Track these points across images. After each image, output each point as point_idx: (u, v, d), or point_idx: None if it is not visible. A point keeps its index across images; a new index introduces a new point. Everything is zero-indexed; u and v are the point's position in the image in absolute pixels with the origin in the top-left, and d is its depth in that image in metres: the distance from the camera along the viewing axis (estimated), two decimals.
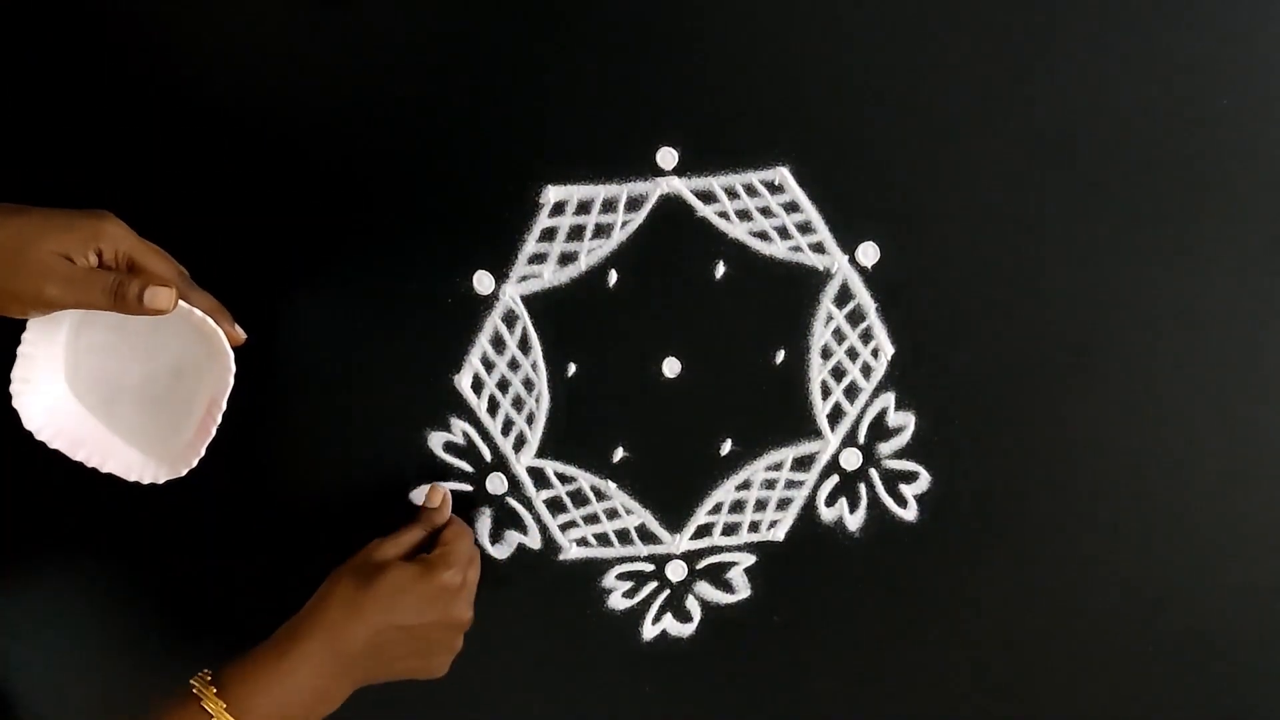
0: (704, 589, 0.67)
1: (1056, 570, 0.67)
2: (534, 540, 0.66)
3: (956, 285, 0.63)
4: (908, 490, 0.66)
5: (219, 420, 0.58)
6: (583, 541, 0.66)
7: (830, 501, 0.66)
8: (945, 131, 0.62)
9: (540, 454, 0.65)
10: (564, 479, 0.65)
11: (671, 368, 0.64)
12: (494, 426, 0.64)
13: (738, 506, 0.66)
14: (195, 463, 0.58)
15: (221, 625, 0.66)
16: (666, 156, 0.62)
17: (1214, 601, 0.67)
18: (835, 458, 0.65)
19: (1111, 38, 0.61)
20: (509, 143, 0.61)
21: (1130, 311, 0.64)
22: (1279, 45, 0.61)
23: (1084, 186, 0.63)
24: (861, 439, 0.65)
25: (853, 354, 0.64)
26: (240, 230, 0.62)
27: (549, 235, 0.62)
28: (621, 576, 0.66)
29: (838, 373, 0.64)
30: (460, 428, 0.64)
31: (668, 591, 0.67)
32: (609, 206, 0.62)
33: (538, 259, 0.63)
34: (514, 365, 0.64)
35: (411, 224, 0.62)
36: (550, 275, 0.63)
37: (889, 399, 0.65)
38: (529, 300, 0.63)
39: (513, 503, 0.65)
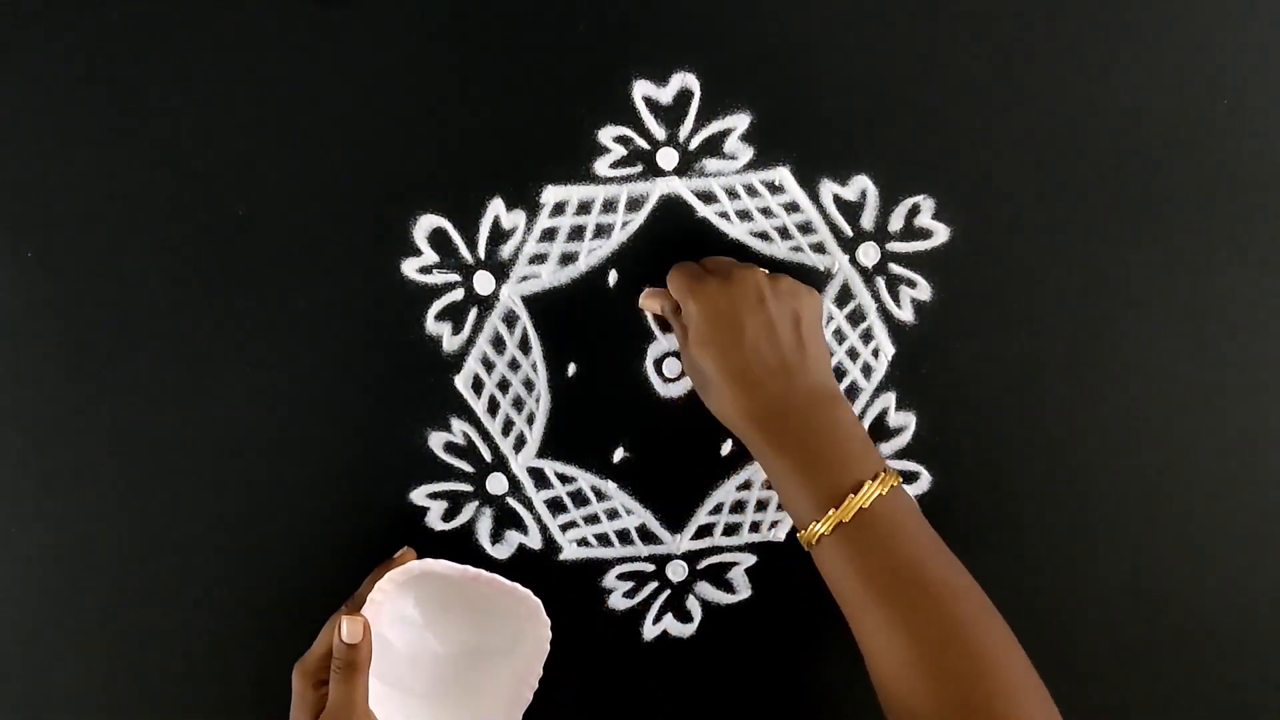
0: (705, 589, 0.67)
1: (1057, 570, 0.67)
2: (534, 540, 0.66)
3: (957, 286, 0.64)
4: (908, 490, 0.66)
5: (535, 687, 0.61)
6: (583, 541, 0.66)
7: None
8: (947, 133, 0.62)
9: (540, 454, 0.65)
10: (564, 479, 0.65)
11: (672, 368, 0.64)
12: (494, 427, 0.64)
13: (739, 507, 0.66)
14: None
15: (220, 625, 0.66)
16: (667, 156, 0.62)
17: (1214, 601, 0.67)
18: None
19: (1113, 38, 0.62)
20: (509, 143, 0.61)
21: (1131, 311, 0.64)
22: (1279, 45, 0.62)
23: (1085, 187, 0.63)
24: None
25: (853, 354, 0.64)
26: (239, 228, 0.62)
27: (549, 235, 0.62)
28: (622, 576, 0.66)
29: (838, 373, 0.64)
30: (460, 428, 0.64)
31: (668, 592, 0.67)
32: (609, 207, 0.62)
33: (538, 259, 0.63)
34: (514, 365, 0.64)
35: (411, 224, 0.62)
36: (550, 275, 0.63)
37: (889, 399, 0.65)
38: (529, 300, 0.63)
39: (513, 503, 0.65)
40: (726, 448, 0.65)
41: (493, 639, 0.62)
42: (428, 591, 0.61)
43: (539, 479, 0.65)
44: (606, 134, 0.62)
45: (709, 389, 0.58)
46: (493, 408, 0.64)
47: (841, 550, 0.53)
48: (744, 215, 0.63)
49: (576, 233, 0.62)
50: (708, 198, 0.62)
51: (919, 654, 0.51)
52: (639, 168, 0.62)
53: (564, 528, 0.66)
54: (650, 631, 0.67)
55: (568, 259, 0.63)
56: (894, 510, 0.54)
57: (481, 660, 0.62)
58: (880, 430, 0.65)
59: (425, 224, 0.62)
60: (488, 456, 0.65)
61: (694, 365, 0.59)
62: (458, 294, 0.63)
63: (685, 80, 0.61)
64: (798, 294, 0.59)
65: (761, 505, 0.66)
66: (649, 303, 0.62)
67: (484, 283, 0.63)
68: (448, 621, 0.62)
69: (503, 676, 0.62)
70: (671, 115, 0.62)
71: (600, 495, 0.65)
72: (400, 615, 0.61)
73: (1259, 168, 0.63)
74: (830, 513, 0.53)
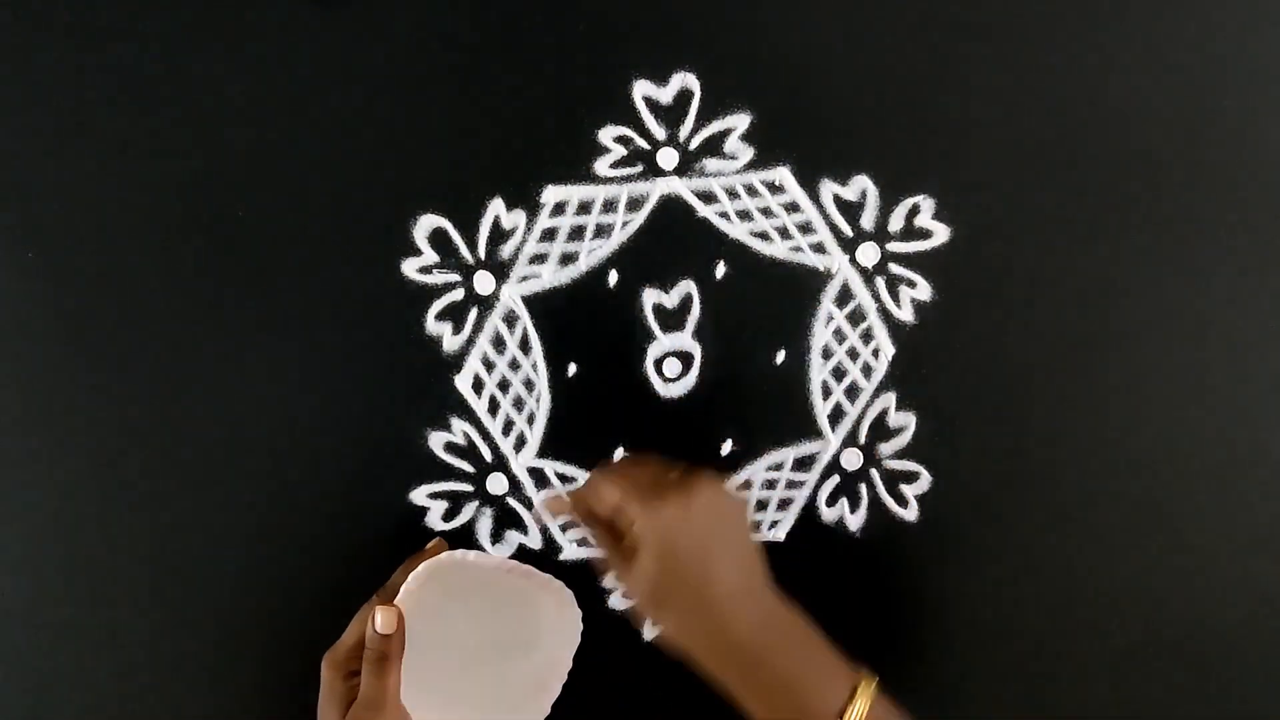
0: None
1: (1056, 570, 0.67)
2: (534, 540, 0.66)
3: (957, 286, 0.64)
4: (908, 490, 0.66)
5: (564, 678, 0.62)
6: (583, 541, 0.66)
7: (831, 501, 0.66)
8: (947, 133, 0.62)
9: (540, 454, 0.65)
10: (564, 479, 0.65)
11: (672, 368, 0.64)
12: (494, 426, 0.64)
13: None
14: None
15: (220, 625, 0.66)
16: (667, 156, 0.62)
17: (1214, 601, 0.67)
18: (836, 458, 0.65)
19: (1113, 38, 0.62)
20: (509, 143, 0.61)
21: (1131, 312, 0.64)
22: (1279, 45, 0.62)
23: (1084, 188, 0.63)
24: (862, 439, 0.65)
25: (853, 354, 0.64)
26: (240, 228, 0.62)
27: (549, 235, 0.62)
28: None
29: (838, 373, 0.64)
30: (460, 428, 0.64)
31: None
32: (609, 207, 0.62)
33: (538, 259, 0.63)
34: (514, 365, 0.64)
35: (411, 224, 0.62)
36: (550, 275, 0.63)
37: (890, 399, 0.65)
38: (529, 300, 0.63)
39: (513, 503, 0.65)
40: (726, 448, 0.65)
41: (523, 630, 0.62)
42: (459, 582, 0.61)
43: (539, 479, 0.65)
44: (606, 134, 0.62)
45: (669, 636, 0.55)
46: (493, 408, 0.64)
47: None
48: (744, 215, 0.63)
49: (576, 233, 0.62)
50: (708, 198, 0.62)
51: None
52: (639, 168, 0.62)
53: (564, 527, 0.66)
54: (650, 632, 0.67)
55: (568, 259, 0.63)
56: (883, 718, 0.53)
57: (512, 651, 0.62)
58: (880, 430, 0.65)
59: (425, 224, 0.62)
60: (488, 456, 0.65)
61: (647, 613, 0.57)
62: (458, 294, 0.63)
63: (685, 80, 0.61)
64: (734, 502, 0.57)
65: (762, 505, 0.66)
66: (556, 505, 0.59)
67: (484, 283, 0.63)
68: (479, 612, 0.62)
69: (533, 667, 0.62)
70: (671, 115, 0.62)
71: None
72: (431, 606, 0.61)
73: (1259, 168, 0.63)
74: None
